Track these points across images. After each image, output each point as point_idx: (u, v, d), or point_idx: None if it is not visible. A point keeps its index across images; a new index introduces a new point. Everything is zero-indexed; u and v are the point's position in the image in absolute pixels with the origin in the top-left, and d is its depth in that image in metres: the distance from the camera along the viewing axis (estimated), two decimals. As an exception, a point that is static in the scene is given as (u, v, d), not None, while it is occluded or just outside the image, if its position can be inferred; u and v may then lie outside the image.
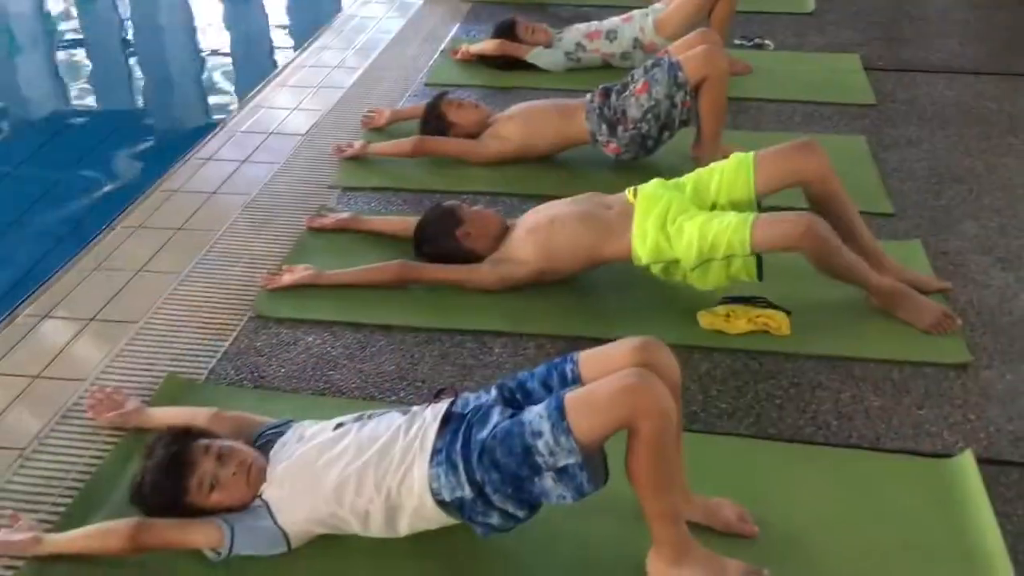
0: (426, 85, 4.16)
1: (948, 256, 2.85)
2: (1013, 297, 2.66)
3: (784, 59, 4.44)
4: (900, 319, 2.50)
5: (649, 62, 3.33)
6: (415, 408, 1.81)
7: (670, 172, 3.32)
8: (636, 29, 4.15)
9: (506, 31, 4.27)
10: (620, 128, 3.22)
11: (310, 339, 2.51)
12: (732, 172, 2.58)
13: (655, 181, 2.67)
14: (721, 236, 2.41)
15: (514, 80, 4.18)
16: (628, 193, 2.67)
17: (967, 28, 4.80)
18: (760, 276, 2.45)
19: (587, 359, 1.75)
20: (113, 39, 6.55)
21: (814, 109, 3.88)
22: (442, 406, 1.76)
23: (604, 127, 3.24)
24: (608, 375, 1.64)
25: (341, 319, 2.58)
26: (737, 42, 4.58)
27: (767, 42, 4.58)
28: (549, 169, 3.40)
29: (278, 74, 4.40)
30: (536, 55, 4.20)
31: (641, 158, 3.31)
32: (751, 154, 2.60)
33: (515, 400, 1.77)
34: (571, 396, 1.61)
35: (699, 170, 2.68)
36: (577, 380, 1.73)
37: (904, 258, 2.77)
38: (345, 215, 3.01)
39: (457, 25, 4.93)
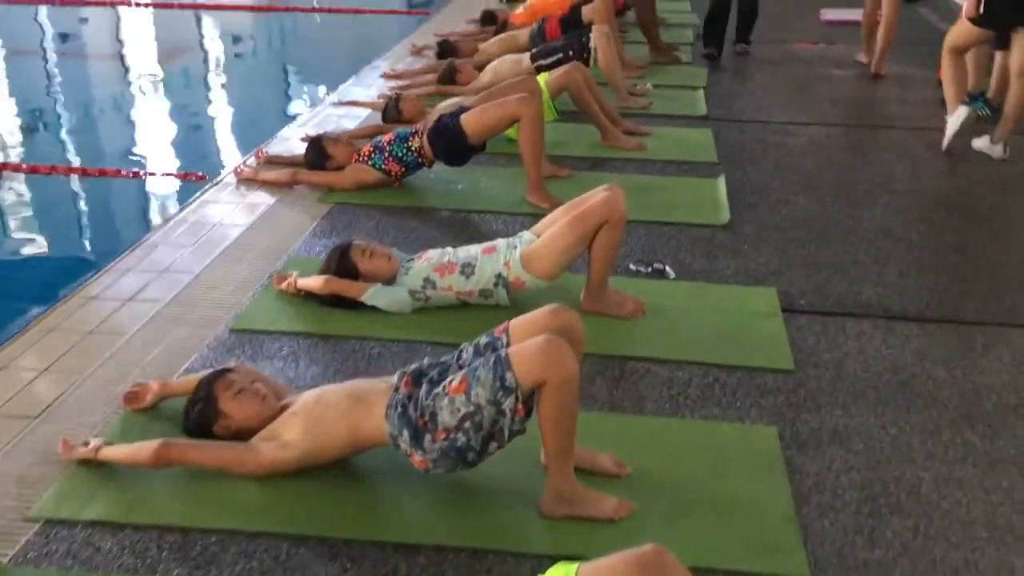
0: (231, 331, 3.28)
1: (884, 670, 1.95)
2: None
3: (686, 293, 3.61)
4: None
5: (483, 340, 2.48)
6: None
7: (506, 484, 2.48)
8: (499, 264, 3.32)
9: (338, 258, 3.42)
10: (427, 437, 2.32)
11: None
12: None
13: None
14: None
15: (347, 325, 3.30)
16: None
17: (910, 250, 4.03)
18: None
19: None
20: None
21: (716, 377, 3.02)
22: None
23: (407, 432, 2.34)
24: None
25: None
26: (632, 268, 3.79)
27: (668, 269, 3.77)
28: (339, 488, 2.47)
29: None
30: (374, 295, 3.34)
31: (461, 471, 2.41)
32: (574, 568, 1.70)
33: None
34: None
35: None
36: None
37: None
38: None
39: (307, 232, 4.10)
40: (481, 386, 2.26)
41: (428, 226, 4.21)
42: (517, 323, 2.47)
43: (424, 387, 2.38)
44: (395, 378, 2.47)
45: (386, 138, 4.58)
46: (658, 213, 4.31)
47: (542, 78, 5.30)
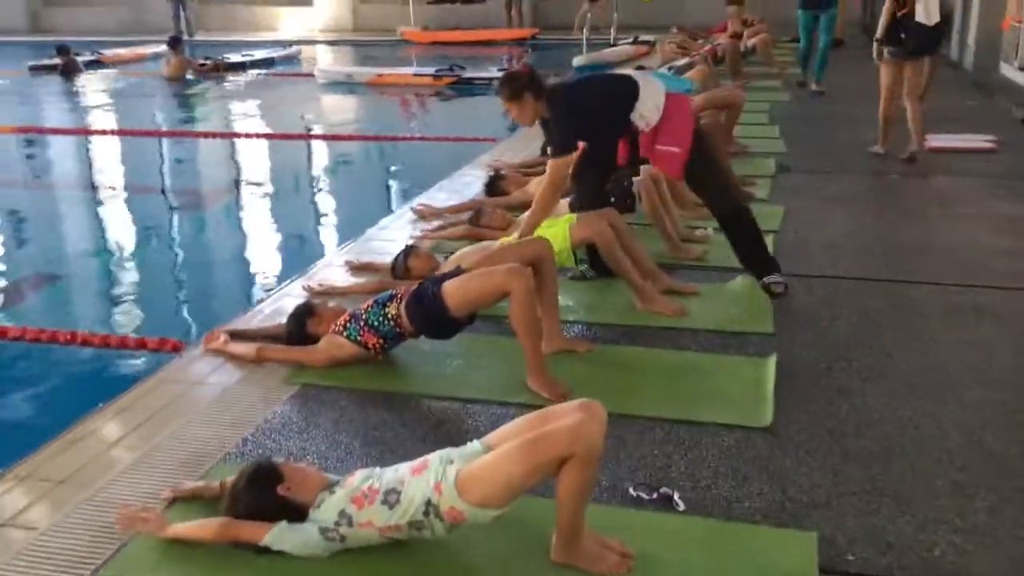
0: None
1: None
2: None
3: (695, 537, 2.76)
4: None
5: None
6: None
7: None
8: (429, 486, 2.54)
9: (244, 493, 2.70)
10: None
11: None
12: None
13: None
14: None
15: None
16: None
17: (1005, 476, 3.07)
18: None
19: None
20: None
21: None
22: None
23: None
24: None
25: None
26: (632, 492, 2.97)
27: (677, 499, 2.93)
28: None
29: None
30: (278, 538, 2.59)
31: None
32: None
33: None
34: None
35: None
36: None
37: None
38: None
39: (253, 426, 3.43)
40: None
41: (399, 421, 3.49)
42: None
43: None
44: None
45: (365, 304, 3.92)
46: (683, 409, 3.49)
47: (567, 220, 4.63)
